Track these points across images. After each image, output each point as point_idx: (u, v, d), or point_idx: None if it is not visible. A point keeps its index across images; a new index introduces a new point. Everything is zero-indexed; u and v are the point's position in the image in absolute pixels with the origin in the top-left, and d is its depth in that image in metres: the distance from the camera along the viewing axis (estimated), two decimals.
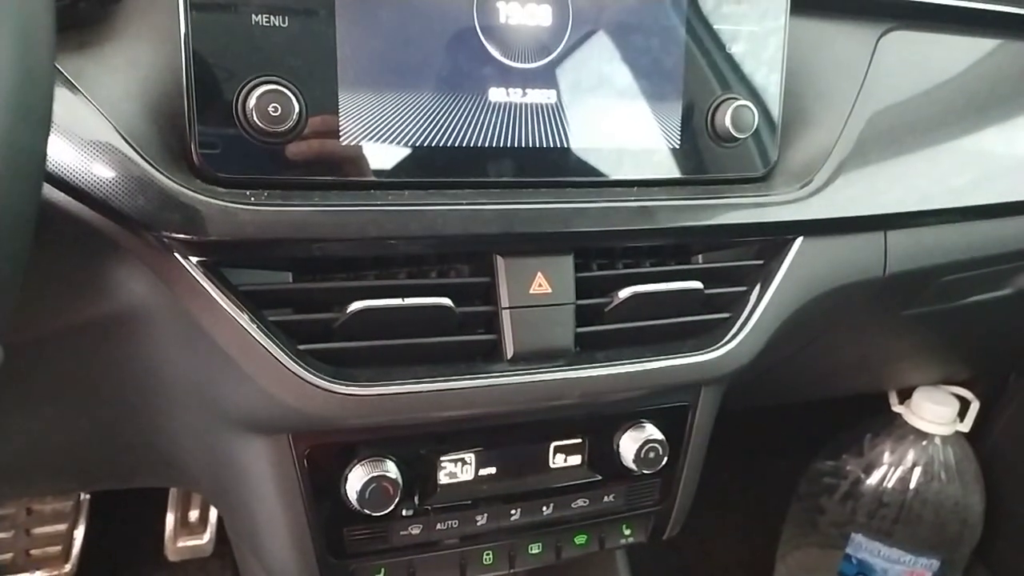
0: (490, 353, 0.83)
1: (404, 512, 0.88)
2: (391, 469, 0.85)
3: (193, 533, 1.73)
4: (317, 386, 0.75)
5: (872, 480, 1.74)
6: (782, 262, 0.93)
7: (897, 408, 1.71)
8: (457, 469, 0.90)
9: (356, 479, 0.83)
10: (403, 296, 0.78)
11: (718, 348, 0.90)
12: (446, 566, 0.94)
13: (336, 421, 0.78)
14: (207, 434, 0.88)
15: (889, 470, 1.73)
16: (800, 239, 0.94)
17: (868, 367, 1.54)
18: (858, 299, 1.06)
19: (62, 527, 1.57)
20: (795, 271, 0.94)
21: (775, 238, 0.93)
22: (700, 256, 0.94)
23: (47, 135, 0.50)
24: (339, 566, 0.89)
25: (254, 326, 0.74)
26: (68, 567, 1.58)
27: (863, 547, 1.73)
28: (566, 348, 0.84)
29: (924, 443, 1.69)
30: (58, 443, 0.94)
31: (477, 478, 0.91)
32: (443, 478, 0.90)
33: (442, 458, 0.89)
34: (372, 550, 0.89)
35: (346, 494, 0.84)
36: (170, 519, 1.73)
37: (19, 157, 0.47)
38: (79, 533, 1.60)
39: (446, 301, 0.79)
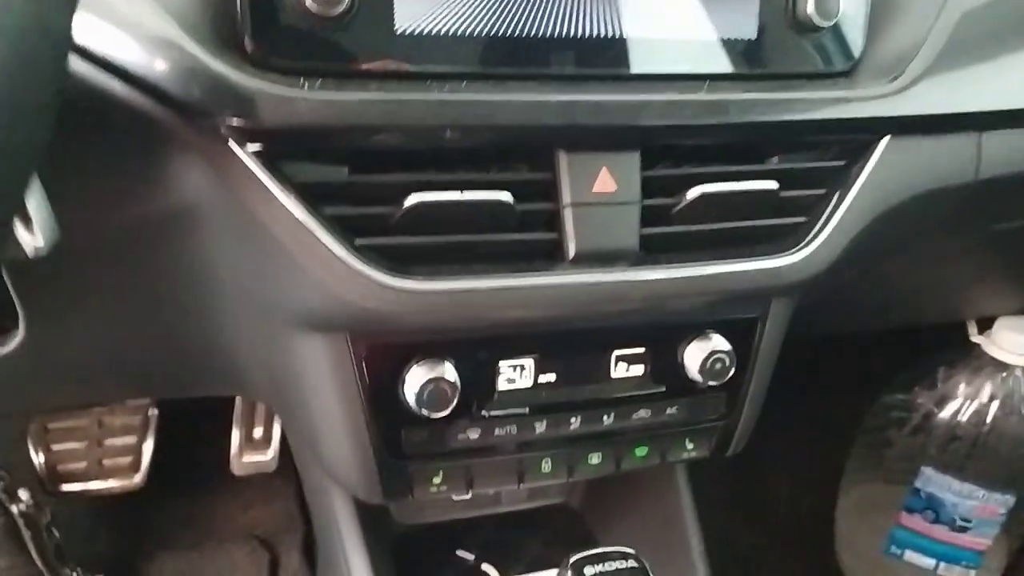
0: (551, 253, 0.80)
1: (462, 416, 0.87)
2: (449, 372, 0.83)
3: (257, 449, 1.77)
4: (374, 280, 0.74)
5: (945, 413, 1.67)
6: (865, 164, 0.87)
7: (976, 338, 1.63)
8: (516, 375, 0.88)
9: (414, 380, 0.82)
10: (461, 189, 0.75)
11: (792, 254, 0.85)
12: (504, 472, 0.93)
13: (393, 317, 0.76)
14: (266, 335, 0.87)
15: (964, 403, 1.65)
16: (886, 139, 0.87)
17: (948, 292, 1.46)
18: (946, 208, 0.99)
19: (132, 439, 1.63)
20: (878, 174, 0.88)
21: (858, 137, 0.87)
22: (775, 158, 0.88)
23: (72, 12, 0.50)
24: (398, 466, 0.88)
25: (311, 219, 0.72)
26: (138, 478, 1.64)
27: (932, 481, 1.67)
28: (630, 249, 0.80)
29: (1004, 375, 1.61)
30: (119, 345, 0.96)
31: (536, 385, 0.89)
32: (502, 383, 0.88)
33: (501, 363, 0.87)
34: (430, 452, 0.88)
35: (404, 395, 0.83)
36: (236, 435, 1.77)
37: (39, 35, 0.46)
38: (148, 446, 1.65)
39: (505, 196, 0.76)
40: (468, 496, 0.97)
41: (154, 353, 0.99)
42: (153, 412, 1.67)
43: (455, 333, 0.83)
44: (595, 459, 0.96)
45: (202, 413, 1.82)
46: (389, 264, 0.75)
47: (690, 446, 1.00)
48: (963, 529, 1.70)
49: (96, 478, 1.62)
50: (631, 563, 0.80)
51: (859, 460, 1.86)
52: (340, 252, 0.73)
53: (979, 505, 1.66)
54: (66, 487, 1.61)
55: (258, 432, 1.78)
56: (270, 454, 1.76)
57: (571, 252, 0.79)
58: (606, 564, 0.79)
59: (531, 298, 0.78)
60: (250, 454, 1.77)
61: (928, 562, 1.76)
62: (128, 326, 0.93)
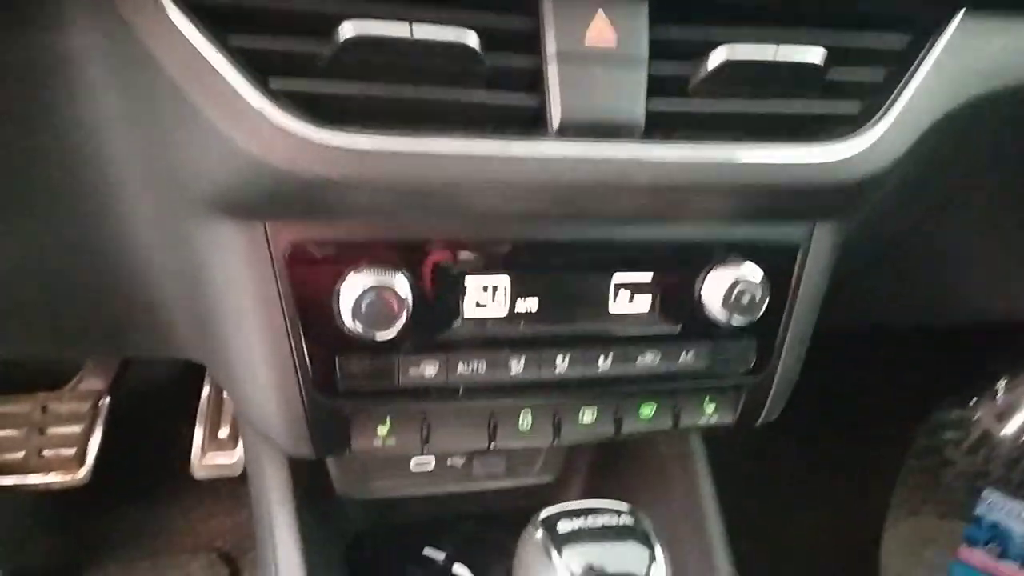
0: (530, 122, 0.62)
1: (414, 343, 0.68)
2: (400, 284, 0.64)
3: (222, 449, 1.58)
4: (291, 133, 0.56)
5: (1010, 429, 1.45)
6: (935, 43, 0.69)
7: None
8: (487, 296, 0.69)
9: (351, 288, 0.64)
10: (412, 22, 0.57)
11: (845, 141, 0.66)
12: (470, 425, 0.73)
13: (318, 190, 0.58)
14: (174, 235, 0.69)
15: None
16: (961, 13, 0.69)
17: (1011, 281, 1.26)
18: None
19: (77, 428, 1.45)
20: (951, 56, 0.70)
21: (928, 8, 0.69)
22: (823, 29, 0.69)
23: None
24: (332, 408, 0.69)
25: (214, 51, 0.56)
26: (82, 472, 1.45)
27: (997, 506, 1.43)
28: (634, 123, 0.62)
29: None
30: (17, 277, 0.79)
31: (513, 312, 0.70)
32: (468, 307, 0.69)
33: (468, 278, 0.68)
34: (373, 390, 0.69)
35: (338, 308, 0.64)
36: (198, 433, 1.58)
37: None
38: (95, 437, 1.47)
39: (470, 38, 0.58)
40: (428, 461, 0.78)
41: (59, 287, 0.81)
42: (105, 400, 1.49)
43: (406, 232, 0.65)
44: (588, 416, 0.76)
45: (162, 406, 1.64)
46: (313, 116, 0.57)
47: (710, 408, 0.80)
48: None
49: (35, 471, 1.43)
50: (625, 519, 0.59)
51: (909, 487, 1.62)
52: (250, 96, 0.56)
53: None
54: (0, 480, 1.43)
55: (224, 431, 1.59)
56: (236, 456, 1.57)
57: (556, 120, 0.61)
58: (589, 519, 0.59)
59: (502, 173, 0.60)
60: (214, 455, 1.58)
61: None
62: (23, 246, 0.75)
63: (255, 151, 0.57)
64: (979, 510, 1.46)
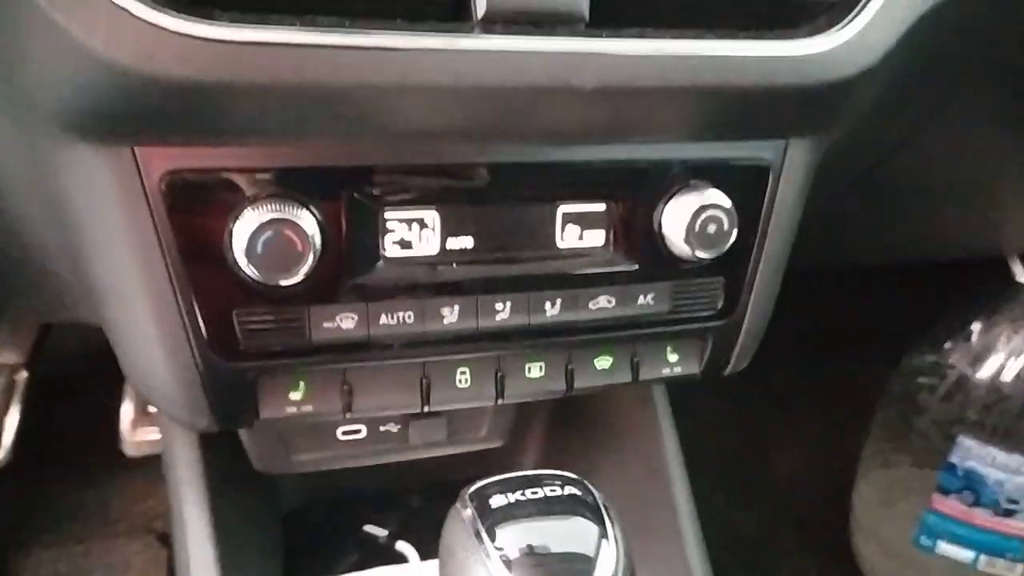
0: (450, 10, 0.51)
1: (327, 291, 0.57)
2: (301, 216, 0.54)
3: (155, 424, 1.46)
4: (144, 21, 0.45)
5: (984, 372, 1.39)
6: None
7: (1023, 278, 1.35)
8: (412, 234, 0.59)
9: (244, 226, 0.53)
10: None
11: (824, 32, 0.57)
12: (399, 382, 0.63)
13: (181, 94, 0.47)
14: (32, 163, 0.57)
15: (1008, 358, 1.37)
16: None
17: (986, 214, 1.19)
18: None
19: None
20: None
21: None
22: None
23: None
24: (231, 371, 0.58)
25: None
26: (0, 454, 1.32)
27: (972, 453, 1.38)
28: (574, 10, 0.52)
29: None
30: None
31: (444, 251, 0.60)
32: (389, 246, 0.59)
33: (387, 213, 0.58)
34: (281, 348, 0.58)
35: (232, 251, 0.53)
36: (127, 407, 1.45)
37: None
38: (13, 416, 1.33)
39: None
40: (358, 428, 0.67)
41: None
42: (22, 375, 1.36)
43: (308, 153, 0.54)
44: (535, 371, 0.67)
45: (86, 378, 1.51)
46: (172, 3, 0.46)
47: (673, 358, 0.71)
48: (1009, 512, 1.40)
49: None
50: (570, 489, 0.49)
51: (882, 435, 1.56)
52: None
53: None
54: None
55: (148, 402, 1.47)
56: None
57: (480, 7, 0.50)
58: (528, 491, 0.49)
59: (415, 74, 0.49)
60: (145, 430, 1.46)
61: (967, 554, 1.46)
62: None
63: (98, 46, 0.45)
64: (953, 457, 1.41)
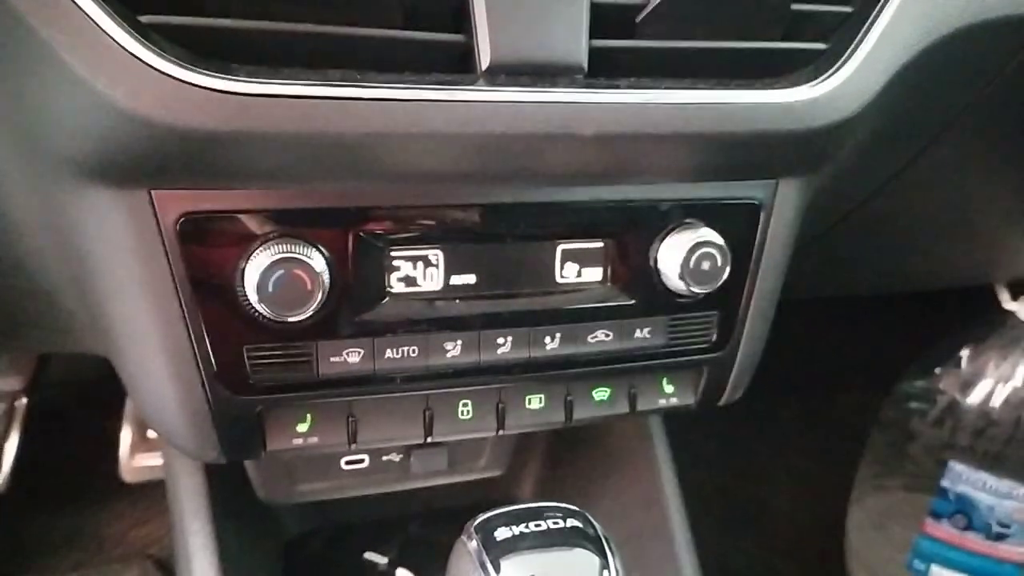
0: (456, 63, 0.54)
1: (334, 327, 0.59)
2: (311, 255, 0.56)
3: (153, 450, 1.47)
4: (165, 75, 0.47)
5: (974, 398, 1.41)
6: None
7: (1010, 305, 1.38)
8: (417, 272, 0.61)
9: (256, 265, 0.55)
10: None
11: (811, 82, 0.59)
12: (403, 415, 0.65)
13: (198, 143, 0.49)
14: (47, 204, 0.59)
15: (997, 384, 1.39)
16: None
17: (975, 244, 1.22)
18: (998, 67, 0.74)
19: None
20: None
21: None
22: None
23: None
24: (240, 404, 0.60)
25: None
26: None
27: (963, 478, 1.40)
28: (573, 63, 0.54)
29: None
30: None
31: (448, 288, 0.62)
32: (395, 283, 0.61)
33: (393, 251, 0.60)
34: (289, 382, 0.60)
35: (243, 289, 0.55)
36: (126, 434, 1.46)
37: None
38: (12, 442, 1.34)
39: None
40: (361, 458, 0.69)
41: None
42: (21, 401, 1.37)
43: (318, 196, 0.56)
44: (535, 403, 0.68)
45: (86, 405, 1.53)
46: (192, 56, 0.48)
47: (669, 389, 0.73)
48: (1001, 537, 1.42)
49: None
50: (572, 521, 0.51)
51: (874, 461, 1.58)
52: (114, 31, 0.47)
53: (1020, 506, 1.38)
54: None
55: (154, 432, 1.48)
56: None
57: (484, 60, 0.53)
58: (532, 524, 0.51)
59: (422, 123, 0.52)
60: (144, 456, 1.47)
61: None
62: None
63: (121, 98, 0.47)
64: (945, 482, 1.43)
